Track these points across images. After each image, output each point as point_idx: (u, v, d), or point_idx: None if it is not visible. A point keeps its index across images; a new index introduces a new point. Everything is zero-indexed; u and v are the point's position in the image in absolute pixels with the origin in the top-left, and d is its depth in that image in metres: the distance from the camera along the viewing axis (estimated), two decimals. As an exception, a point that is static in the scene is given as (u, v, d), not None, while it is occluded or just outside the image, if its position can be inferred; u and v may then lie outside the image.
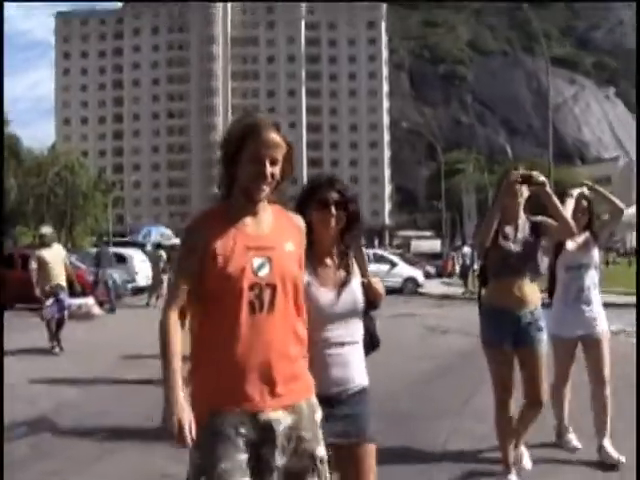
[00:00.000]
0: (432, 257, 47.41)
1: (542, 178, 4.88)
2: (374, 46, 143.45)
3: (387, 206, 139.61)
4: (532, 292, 5.08)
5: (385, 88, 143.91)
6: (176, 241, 17.77)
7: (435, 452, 6.00)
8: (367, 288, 3.31)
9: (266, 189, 2.73)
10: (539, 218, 5.16)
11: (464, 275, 28.84)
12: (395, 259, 31.55)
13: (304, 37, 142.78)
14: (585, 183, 5.96)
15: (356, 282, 3.29)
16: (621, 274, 27.55)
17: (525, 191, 5.05)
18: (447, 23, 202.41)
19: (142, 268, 27.92)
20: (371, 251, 31.25)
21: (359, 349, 3.32)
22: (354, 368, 3.25)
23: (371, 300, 3.34)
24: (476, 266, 37.71)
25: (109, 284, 21.12)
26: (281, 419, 2.69)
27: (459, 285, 29.26)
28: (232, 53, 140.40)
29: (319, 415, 2.85)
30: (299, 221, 2.96)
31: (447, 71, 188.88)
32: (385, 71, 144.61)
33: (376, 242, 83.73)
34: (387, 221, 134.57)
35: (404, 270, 30.14)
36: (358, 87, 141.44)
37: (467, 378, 9.15)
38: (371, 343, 3.48)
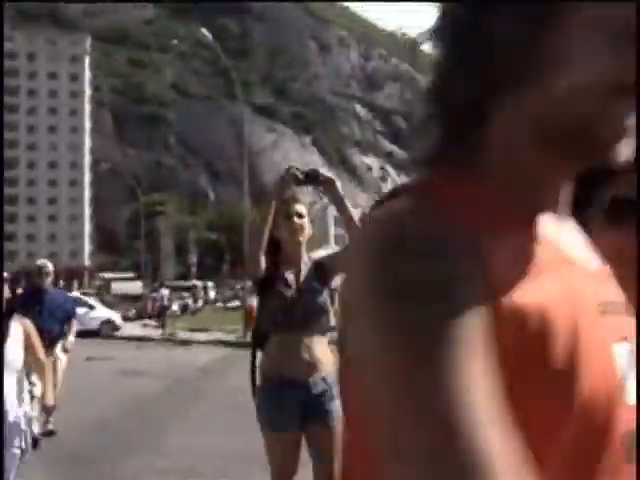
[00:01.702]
0: (133, 299, 47.07)
1: (329, 175, 4.00)
2: (77, 82, 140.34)
3: (87, 246, 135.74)
4: (323, 352, 4.02)
5: (87, 125, 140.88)
6: None
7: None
8: None
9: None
10: (321, 256, 4.40)
11: (162, 316, 29.97)
12: (92, 301, 31.02)
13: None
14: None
15: None
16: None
17: (308, 229, 4.16)
18: (153, 64, 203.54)
19: None
20: (70, 294, 30.34)
21: None
22: None
23: None
24: (175, 307, 38.40)
25: None
26: None
27: (158, 327, 29.70)
28: None
29: None
30: None
31: (151, 112, 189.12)
32: (88, 108, 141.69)
33: (75, 284, 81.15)
34: (87, 262, 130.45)
35: (101, 312, 29.73)
36: (58, 123, 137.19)
37: (158, 419, 9.51)
38: None
